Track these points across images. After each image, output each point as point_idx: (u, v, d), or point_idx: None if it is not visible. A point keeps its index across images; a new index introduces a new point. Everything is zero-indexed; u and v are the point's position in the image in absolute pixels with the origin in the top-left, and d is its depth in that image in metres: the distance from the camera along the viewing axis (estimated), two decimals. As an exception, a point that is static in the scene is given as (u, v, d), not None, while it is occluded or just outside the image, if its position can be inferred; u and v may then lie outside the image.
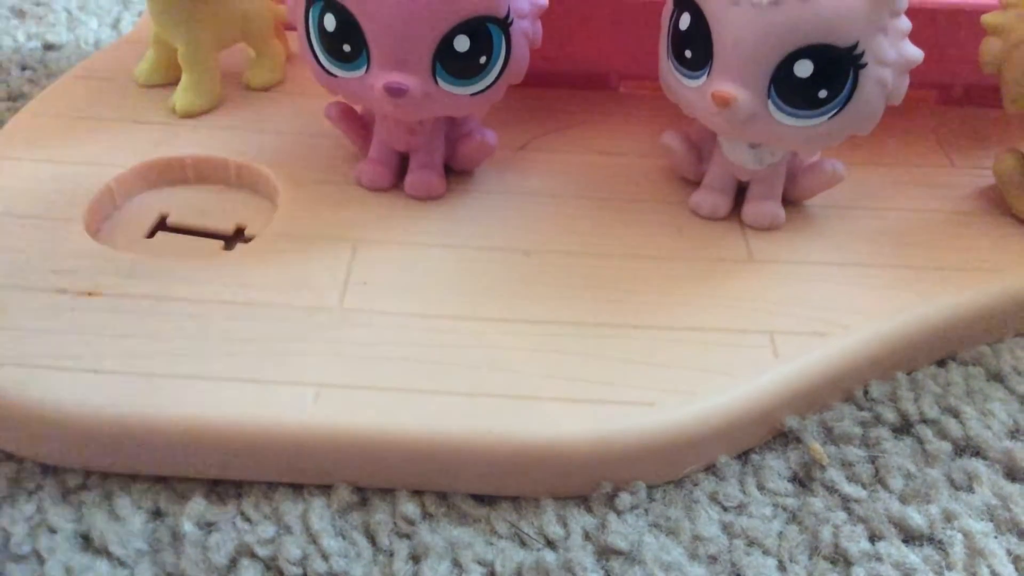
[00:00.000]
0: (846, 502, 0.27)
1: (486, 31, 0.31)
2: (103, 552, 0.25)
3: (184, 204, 0.36)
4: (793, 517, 0.27)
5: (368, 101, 0.33)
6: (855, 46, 0.29)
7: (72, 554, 0.25)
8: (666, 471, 0.28)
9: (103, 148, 0.37)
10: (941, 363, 0.32)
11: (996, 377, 0.32)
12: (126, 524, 0.26)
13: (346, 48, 0.31)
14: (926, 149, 0.40)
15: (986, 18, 0.33)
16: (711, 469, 0.28)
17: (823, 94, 0.30)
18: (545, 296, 0.31)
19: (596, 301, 0.31)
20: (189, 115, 0.39)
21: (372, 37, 0.31)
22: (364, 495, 0.27)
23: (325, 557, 0.25)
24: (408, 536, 0.26)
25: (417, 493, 0.27)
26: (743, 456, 0.29)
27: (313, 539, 0.26)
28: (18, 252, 0.32)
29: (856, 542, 0.26)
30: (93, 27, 0.54)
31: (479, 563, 0.25)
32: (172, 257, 0.33)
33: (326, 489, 0.27)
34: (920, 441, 0.29)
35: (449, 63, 0.31)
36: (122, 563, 0.25)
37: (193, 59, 0.39)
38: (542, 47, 0.34)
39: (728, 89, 0.30)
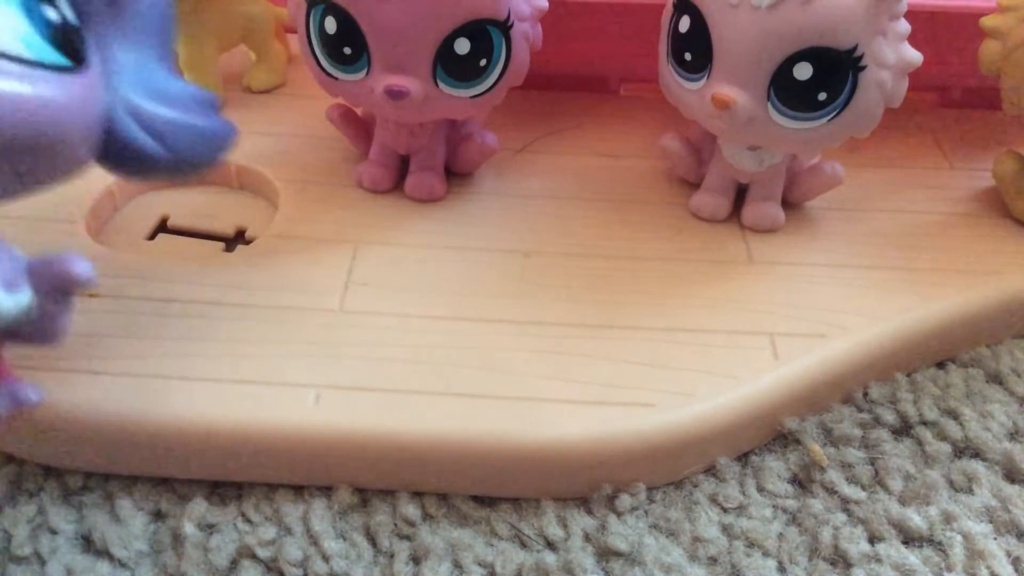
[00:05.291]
0: (846, 503, 0.27)
1: (486, 34, 0.31)
2: (104, 554, 0.25)
3: (185, 206, 0.36)
4: (793, 518, 0.27)
5: (369, 104, 0.33)
6: (854, 49, 0.29)
7: (73, 555, 0.25)
8: (666, 472, 0.28)
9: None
10: (940, 365, 0.32)
11: (995, 379, 0.32)
12: (127, 526, 0.26)
13: (347, 51, 0.31)
14: (925, 151, 0.40)
15: (985, 21, 0.33)
16: (711, 470, 0.28)
17: (822, 96, 0.30)
18: (545, 298, 0.31)
19: (596, 303, 0.31)
20: (190, 117, 0.39)
21: (373, 40, 0.31)
22: (365, 496, 0.27)
23: (326, 558, 0.25)
24: (409, 537, 0.26)
25: (418, 494, 0.27)
26: (743, 457, 0.29)
27: (314, 540, 0.26)
28: (19, 254, 0.32)
29: (856, 543, 0.26)
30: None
31: (479, 564, 0.25)
32: (173, 259, 0.33)
33: (327, 490, 0.27)
34: (919, 442, 0.29)
35: (449, 66, 0.31)
36: (123, 564, 0.25)
37: (194, 61, 0.39)
38: (542, 49, 0.34)
39: (728, 92, 0.31)
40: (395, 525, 0.26)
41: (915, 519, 0.27)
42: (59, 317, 0.22)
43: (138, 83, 0.24)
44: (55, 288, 0.22)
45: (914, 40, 0.31)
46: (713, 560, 0.26)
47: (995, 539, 0.27)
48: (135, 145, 0.23)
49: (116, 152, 0.23)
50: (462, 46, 0.31)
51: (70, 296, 0.23)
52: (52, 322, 0.22)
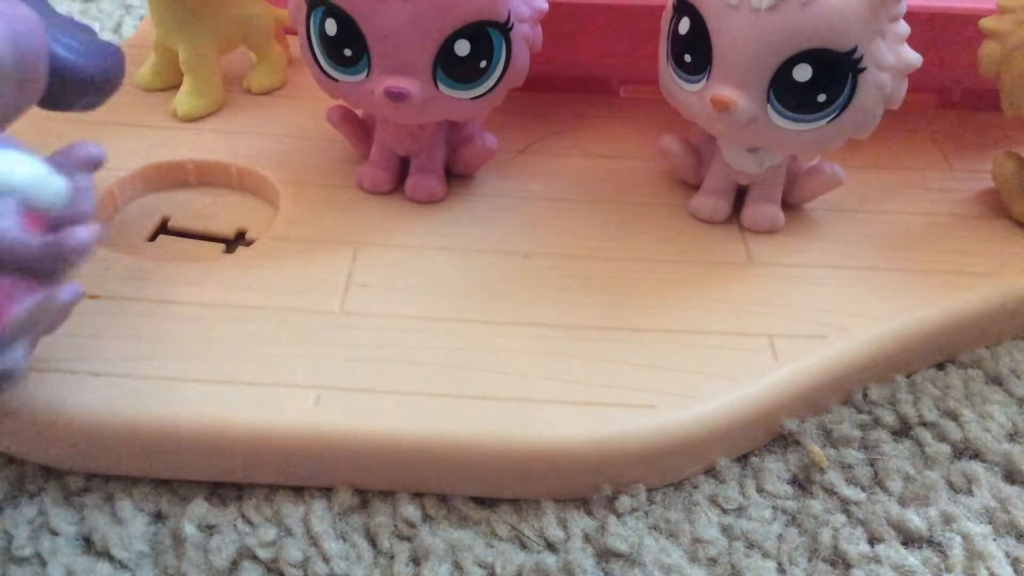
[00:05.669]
0: (845, 504, 0.27)
1: (486, 35, 0.31)
2: (105, 555, 0.26)
3: (185, 207, 0.36)
4: (792, 519, 0.27)
5: (369, 105, 0.33)
6: (854, 50, 0.29)
7: (74, 557, 0.25)
8: (666, 474, 0.28)
9: (105, 151, 0.37)
10: (940, 366, 0.32)
11: (995, 380, 0.32)
12: (128, 527, 0.26)
13: (347, 52, 0.32)
14: (925, 152, 0.40)
15: (984, 22, 0.34)
16: (711, 471, 0.28)
17: (822, 98, 0.30)
18: (545, 299, 0.31)
19: (596, 304, 0.31)
20: (190, 119, 0.39)
21: (373, 42, 0.31)
22: (365, 497, 0.27)
23: (326, 559, 0.25)
24: (409, 538, 0.26)
25: (418, 495, 0.27)
26: (743, 459, 0.29)
27: (314, 541, 0.26)
28: (20, 255, 0.32)
29: (855, 544, 0.26)
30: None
31: (479, 565, 0.25)
32: (173, 260, 0.33)
33: (327, 491, 0.27)
34: (919, 444, 0.29)
35: (450, 67, 0.31)
36: (124, 566, 0.25)
37: (194, 63, 0.39)
38: (542, 51, 0.34)
39: (727, 93, 0.31)
40: (395, 526, 0.26)
41: (915, 520, 0.27)
42: (88, 194, 0.25)
43: (41, 15, 0.26)
44: (79, 166, 0.25)
45: (914, 42, 0.31)
46: (713, 561, 0.26)
47: (994, 540, 0.27)
48: (63, 63, 0.27)
49: (50, 74, 0.27)
50: (462, 48, 0.31)
51: (92, 174, 0.26)
52: (84, 199, 0.25)
